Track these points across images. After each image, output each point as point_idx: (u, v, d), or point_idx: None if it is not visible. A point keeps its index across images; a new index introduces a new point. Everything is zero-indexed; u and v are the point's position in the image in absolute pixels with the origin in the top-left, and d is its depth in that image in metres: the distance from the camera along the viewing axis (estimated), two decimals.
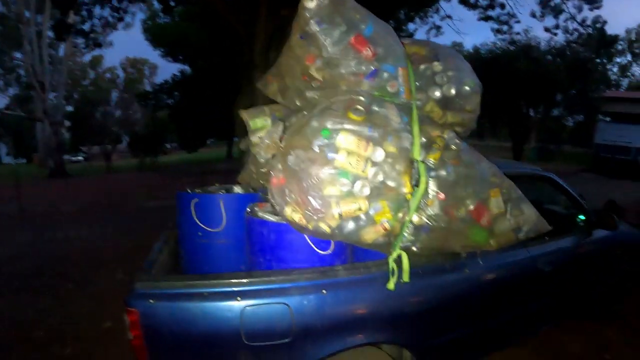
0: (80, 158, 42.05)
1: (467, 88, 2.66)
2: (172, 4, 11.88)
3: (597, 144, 21.08)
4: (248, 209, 2.53)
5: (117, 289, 5.19)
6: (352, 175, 2.05)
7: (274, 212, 2.38)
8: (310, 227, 2.08)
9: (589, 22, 17.22)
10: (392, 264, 2.16)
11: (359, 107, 2.16)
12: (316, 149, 2.04)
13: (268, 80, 2.81)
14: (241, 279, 2.06)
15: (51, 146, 23.32)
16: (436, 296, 2.50)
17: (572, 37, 17.88)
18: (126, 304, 1.95)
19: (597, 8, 15.34)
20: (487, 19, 14.16)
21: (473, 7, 13.34)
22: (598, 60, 25.37)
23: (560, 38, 19.39)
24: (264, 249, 2.33)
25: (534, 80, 20.03)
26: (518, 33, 18.04)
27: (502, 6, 13.75)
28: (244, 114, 2.77)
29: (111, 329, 4.22)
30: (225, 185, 3.23)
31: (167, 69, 49.93)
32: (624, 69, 37.23)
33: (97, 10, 10.42)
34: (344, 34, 2.23)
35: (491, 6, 13.76)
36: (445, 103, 2.61)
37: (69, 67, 28.29)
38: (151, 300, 1.94)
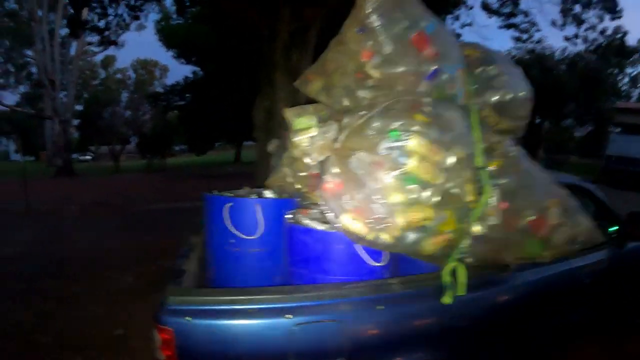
0: (88, 157, 42.03)
1: (522, 94, 2.53)
2: (187, 3, 11.62)
3: (607, 155, 20.73)
4: (289, 216, 2.33)
5: (126, 293, 4.98)
6: (421, 181, 1.84)
7: (320, 219, 2.20)
8: (370, 237, 1.88)
9: (609, 32, 16.93)
10: (448, 277, 1.99)
11: (426, 108, 1.97)
12: (383, 152, 1.85)
13: (308, 79, 2.60)
14: (291, 293, 1.85)
15: (59, 144, 23.19)
16: (489, 310, 2.32)
17: (591, 47, 17.58)
18: (157, 321, 1.71)
19: (618, 18, 15.08)
20: (509, 27, 13.97)
21: (495, 14, 13.14)
22: (609, 71, 25.08)
23: (576, 48, 19.09)
24: (308, 259, 2.13)
25: (546, 91, 19.79)
26: (538, 41, 17.72)
27: (526, 14, 13.54)
28: (288, 113, 2.53)
29: (122, 336, 3.99)
30: (255, 188, 2.98)
31: (177, 72, 49.94)
32: (635, 80, 36.87)
33: (111, 10, 10.08)
34: (405, 30, 2.08)
35: (513, 14, 13.54)
36: (500, 108, 2.47)
37: (80, 66, 28.25)
38: (187, 318, 1.69)
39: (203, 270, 2.56)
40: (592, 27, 15.80)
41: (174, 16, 21.71)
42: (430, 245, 1.93)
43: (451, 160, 1.89)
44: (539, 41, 18.62)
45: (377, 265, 2.08)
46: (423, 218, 1.84)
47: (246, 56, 16.49)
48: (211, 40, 17.92)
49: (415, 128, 1.86)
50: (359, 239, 1.92)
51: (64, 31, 24.34)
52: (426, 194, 1.83)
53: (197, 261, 2.53)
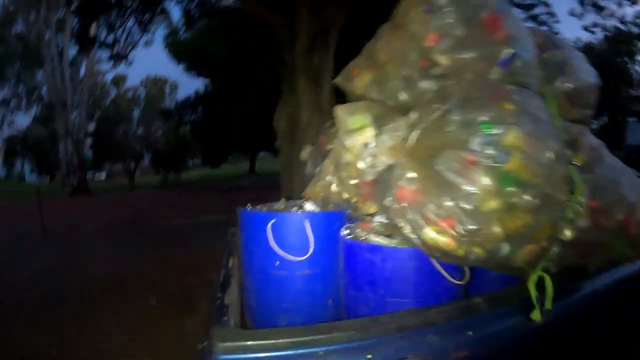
0: (102, 176, 42.28)
1: (591, 80, 2.32)
2: (196, 16, 11.43)
3: (629, 145, 20.11)
4: (346, 231, 2.03)
5: (151, 319, 4.68)
6: (521, 181, 1.50)
7: (384, 234, 1.94)
8: (460, 252, 1.57)
9: (628, 19, 16.44)
10: (534, 290, 1.67)
11: (513, 96, 1.65)
12: (476, 148, 1.50)
13: (353, 74, 2.37)
14: (368, 327, 1.51)
15: (73, 164, 23.19)
16: (574, 319, 1.97)
17: (610, 35, 17.07)
18: None
19: (636, 3, 14.61)
20: (530, 18, 13.60)
21: (517, 6, 12.77)
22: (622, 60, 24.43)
23: (594, 37, 18.55)
24: (374, 281, 1.84)
25: None
26: (556, 33, 17.32)
27: (546, 4, 13.16)
28: (340, 110, 2.20)
29: None
30: (292, 201, 2.66)
31: (187, 86, 50.03)
32: None
33: (119, 25, 9.93)
34: (477, 9, 1.87)
35: (533, 5, 13.19)
36: (571, 96, 2.23)
37: (90, 86, 28.40)
38: None
39: (247, 301, 2.24)
40: (612, 15, 15.26)
41: (182, 30, 21.73)
42: (524, 255, 1.62)
43: (549, 155, 1.58)
44: (557, 33, 18.16)
45: (459, 284, 1.80)
46: (522, 225, 1.53)
47: (261, 65, 16.43)
48: (221, 52, 17.85)
49: (510, 119, 1.54)
50: (445, 254, 1.62)
51: (74, 52, 24.51)
52: (527, 196, 1.51)
53: (239, 290, 2.20)
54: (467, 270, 1.82)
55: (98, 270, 6.92)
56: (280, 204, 2.56)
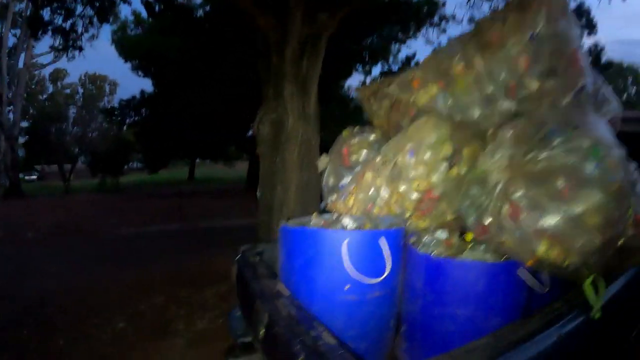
0: (33, 177, 39.80)
1: (619, 109, 2.47)
2: (158, 8, 10.93)
3: None
4: (429, 248, 1.99)
5: (120, 343, 4.28)
6: (617, 199, 1.67)
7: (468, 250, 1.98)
8: (566, 263, 1.70)
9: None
10: (592, 291, 1.71)
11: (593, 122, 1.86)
12: (590, 170, 1.66)
13: (414, 84, 2.36)
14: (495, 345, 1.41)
15: (7, 163, 21.66)
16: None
17: None
18: None
19: (594, 34, 15.46)
20: None
21: None
22: None
23: None
24: (466, 299, 1.82)
25: None
26: None
27: None
28: (422, 124, 2.16)
29: None
30: (325, 215, 2.47)
31: (128, 87, 48.18)
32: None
33: (77, 10, 9.27)
34: (567, 43, 2.03)
35: None
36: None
37: (27, 78, 26.79)
38: None
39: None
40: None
41: (131, 26, 20.95)
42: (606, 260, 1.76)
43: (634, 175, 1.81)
44: None
45: (544, 293, 1.86)
46: (610, 236, 1.69)
47: (214, 69, 16.05)
48: (173, 52, 17.33)
49: (607, 143, 1.74)
50: (552, 266, 1.74)
51: (12, 41, 23.04)
52: (617, 211, 1.69)
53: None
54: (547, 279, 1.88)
55: (53, 285, 6.30)
56: (315, 219, 2.36)
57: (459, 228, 2.19)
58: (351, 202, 2.46)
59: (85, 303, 5.47)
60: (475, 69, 2.08)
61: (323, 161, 3.14)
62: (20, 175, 27.21)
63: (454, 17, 13.54)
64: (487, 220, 1.82)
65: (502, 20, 2.05)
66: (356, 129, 3.17)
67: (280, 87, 5.46)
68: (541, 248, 1.69)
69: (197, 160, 36.13)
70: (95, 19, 9.51)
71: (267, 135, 5.66)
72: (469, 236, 2.07)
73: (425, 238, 2.11)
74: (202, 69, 16.98)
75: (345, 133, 3.21)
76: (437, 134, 2.06)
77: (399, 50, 18.39)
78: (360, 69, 19.55)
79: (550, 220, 1.64)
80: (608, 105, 2.33)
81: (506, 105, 2.06)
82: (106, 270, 7.06)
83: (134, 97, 24.83)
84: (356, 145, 2.97)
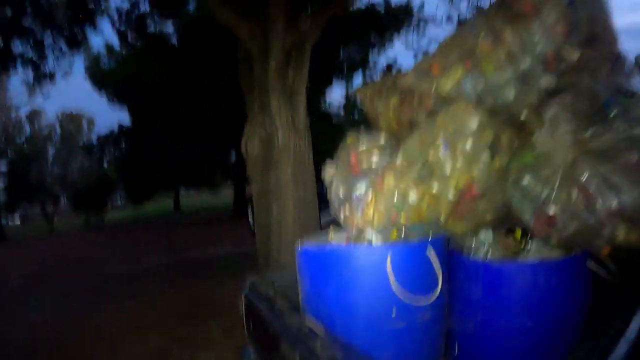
0: (16, 220, 38.95)
1: None
2: (131, 36, 10.64)
3: None
4: (484, 253, 1.74)
5: None
6: None
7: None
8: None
9: None
10: None
11: None
12: None
13: (433, 70, 2.10)
14: None
15: None
16: None
17: None
18: None
19: None
20: None
21: None
22: None
23: None
24: (538, 305, 1.61)
25: None
26: None
27: None
28: (460, 110, 1.85)
29: None
30: (344, 231, 2.17)
31: (104, 122, 47.61)
32: None
33: (47, 41, 9.00)
34: (603, 7, 1.96)
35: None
36: None
37: (3, 120, 26.26)
38: None
39: None
40: None
41: (104, 59, 20.65)
42: None
43: None
44: None
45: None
46: None
47: (191, 93, 15.74)
48: (149, 78, 17.01)
49: None
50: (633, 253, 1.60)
51: None
52: None
53: None
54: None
55: (42, 333, 5.91)
56: (335, 236, 2.06)
57: (502, 226, 1.94)
58: (370, 212, 2.15)
59: (77, 351, 5.06)
60: (506, 43, 1.85)
61: (329, 172, 2.83)
62: (4, 221, 26.52)
63: (433, 19, 13.44)
64: (553, 210, 1.61)
65: None
66: (362, 133, 2.89)
67: (267, 100, 5.16)
68: (620, 232, 1.53)
69: (182, 190, 35.59)
70: (65, 48, 9.20)
71: (256, 154, 5.35)
72: (518, 233, 1.85)
73: (472, 242, 1.83)
74: (180, 92, 16.65)
75: (349, 138, 2.92)
76: (477, 119, 1.74)
77: (377, 59, 18.22)
78: (339, 80, 19.32)
79: (628, 199, 1.48)
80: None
81: (545, 80, 1.85)
82: (98, 312, 6.66)
83: (111, 132, 24.46)
84: (365, 151, 2.66)
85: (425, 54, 12.38)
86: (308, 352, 1.37)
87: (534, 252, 1.74)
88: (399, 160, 2.06)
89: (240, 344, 2.49)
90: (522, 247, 1.79)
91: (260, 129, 5.27)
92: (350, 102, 23.30)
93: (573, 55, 1.80)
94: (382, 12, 14.05)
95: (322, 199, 5.66)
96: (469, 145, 1.74)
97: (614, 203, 1.51)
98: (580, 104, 1.70)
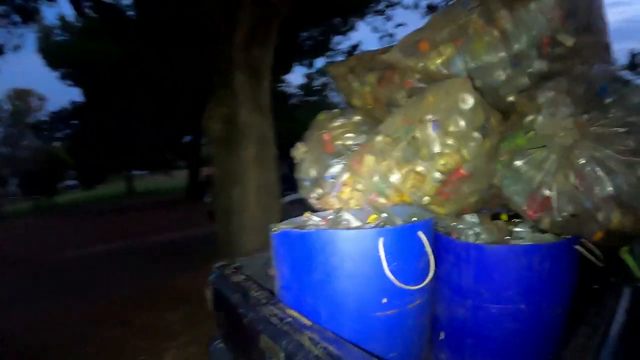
0: None
1: None
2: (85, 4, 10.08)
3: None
4: (473, 237, 1.69)
5: None
6: None
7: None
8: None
9: None
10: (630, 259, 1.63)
11: None
12: None
13: (421, 47, 2.05)
14: None
15: None
16: None
17: None
18: None
19: None
20: None
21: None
22: None
23: None
24: (531, 288, 1.58)
25: None
26: None
27: None
28: (456, 84, 1.74)
29: None
30: (320, 213, 2.05)
31: (57, 101, 45.86)
32: None
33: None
34: None
35: None
36: None
37: None
38: None
39: None
40: None
41: (58, 32, 19.69)
42: None
43: None
44: None
45: None
46: None
47: (151, 73, 15.19)
48: (105, 58, 16.31)
49: None
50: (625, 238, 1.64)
51: None
52: None
53: None
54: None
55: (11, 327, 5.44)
56: (311, 218, 1.94)
57: (486, 210, 1.94)
58: (347, 193, 2.04)
59: (31, 347, 4.67)
60: (500, 24, 1.84)
61: (300, 150, 2.70)
62: None
63: (398, 2, 13.38)
64: (548, 194, 1.61)
65: None
66: (335, 110, 2.77)
67: (231, 77, 4.96)
68: (615, 217, 1.55)
69: (135, 173, 34.67)
70: (17, 18, 8.67)
71: (218, 132, 5.14)
72: (505, 217, 1.88)
73: (459, 226, 1.77)
74: (136, 70, 15.99)
75: (321, 116, 2.79)
76: (474, 97, 1.65)
77: (340, 41, 18.00)
78: (298, 61, 19.01)
79: (623, 185, 1.51)
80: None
81: (538, 64, 1.86)
82: (53, 303, 6.19)
83: (64, 109, 23.46)
84: (339, 129, 2.54)
85: (391, 35, 12.41)
86: (294, 346, 1.24)
87: (522, 236, 1.74)
88: (379, 139, 1.95)
89: (202, 333, 2.32)
90: (509, 231, 1.77)
91: (222, 106, 5.07)
92: (310, 84, 23.19)
93: (568, 41, 1.80)
94: None
95: (283, 181, 5.55)
96: (462, 123, 1.65)
97: (610, 188, 1.53)
98: (576, 90, 1.69)
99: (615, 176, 1.52)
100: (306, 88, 23.09)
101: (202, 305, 2.18)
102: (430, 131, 1.69)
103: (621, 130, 1.54)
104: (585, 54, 1.89)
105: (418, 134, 1.72)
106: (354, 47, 17.25)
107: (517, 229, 1.78)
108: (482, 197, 1.90)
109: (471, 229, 1.74)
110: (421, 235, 1.44)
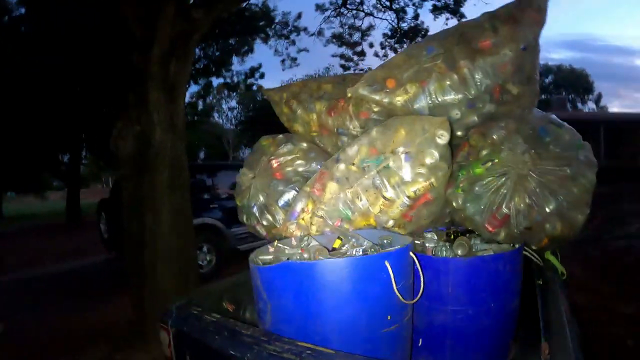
0: None
1: None
2: None
3: None
4: (447, 252, 2.04)
5: None
6: None
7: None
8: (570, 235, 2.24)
9: None
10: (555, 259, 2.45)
11: None
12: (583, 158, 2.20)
13: (388, 84, 2.37)
14: None
15: None
16: None
17: None
18: None
19: None
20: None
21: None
22: None
23: None
24: (498, 290, 1.97)
25: None
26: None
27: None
28: (438, 123, 2.07)
29: None
30: (285, 241, 2.18)
31: None
32: None
33: None
34: (538, 53, 2.47)
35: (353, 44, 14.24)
36: None
37: None
38: None
39: None
40: None
41: None
42: None
43: None
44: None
45: None
46: None
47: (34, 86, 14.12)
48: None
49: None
50: (562, 243, 2.32)
51: None
52: None
53: None
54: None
55: None
56: (285, 247, 2.04)
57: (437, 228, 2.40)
58: (306, 220, 2.21)
59: None
60: (461, 71, 2.22)
61: (247, 176, 2.82)
62: None
63: (305, 29, 13.94)
64: (507, 212, 2.07)
65: (492, 29, 2.27)
66: (280, 136, 2.93)
67: (145, 93, 4.85)
68: (558, 226, 2.07)
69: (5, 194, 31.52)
70: None
71: (130, 153, 4.96)
72: (454, 234, 2.29)
73: (428, 244, 2.17)
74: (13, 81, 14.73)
75: (264, 141, 2.95)
76: (449, 133, 2.00)
77: (244, 61, 18.19)
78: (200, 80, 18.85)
79: (564, 202, 2.04)
80: None
81: (488, 107, 2.30)
82: None
83: None
84: (288, 156, 2.71)
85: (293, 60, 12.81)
86: None
87: (483, 247, 2.14)
88: (341, 167, 2.14)
89: None
90: (470, 245, 2.12)
91: (135, 125, 4.92)
92: (195, 104, 22.91)
93: (514, 90, 2.30)
94: (245, 14, 14.00)
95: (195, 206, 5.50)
96: (436, 156, 1.98)
97: (553, 205, 2.04)
98: (523, 130, 2.17)
99: (557, 196, 2.03)
100: (192, 107, 22.68)
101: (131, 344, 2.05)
102: (403, 162, 1.98)
103: (560, 161, 2.06)
104: (524, 101, 2.39)
105: (391, 164, 1.96)
106: (254, 68, 17.43)
107: (475, 242, 2.21)
108: (434, 218, 2.28)
109: (443, 246, 2.09)
110: (412, 255, 1.72)
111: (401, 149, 2.00)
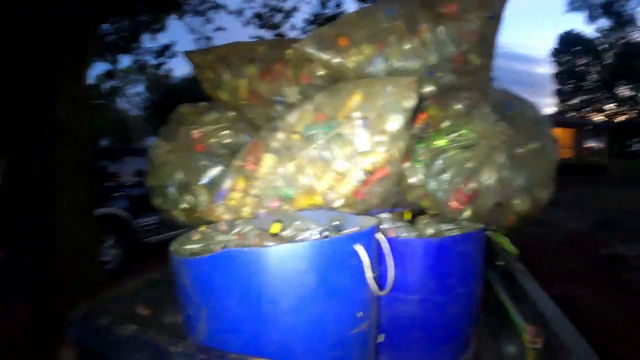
0: None
1: None
2: None
3: None
4: (414, 233, 1.86)
5: None
6: None
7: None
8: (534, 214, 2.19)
9: None
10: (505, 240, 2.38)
11: None
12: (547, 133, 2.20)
13: (341, 43, 2.16)
14: None
15: None
16: None
17: None
18: None
19: None
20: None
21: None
22: None
23: None
24: (468, 273, 1.88)
25: None
26: None
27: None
28: (404, 85, 1.79)
29: None
30: (216, 225, 1.90)
31: None
32: None
33: None
34: (499, 26, 2.41)
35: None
36: None
37: None
38: None
39: None
40: None
41: None
42: None
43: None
44: None
45: None
46: None
47: None
48: None
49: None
50: (529, 222, 2.24)
51: None
52: None
53: None
54: None
55: None
56: (220, 232, 1.78)
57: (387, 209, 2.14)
58: (237, 201, 1.91)
59: None
60: (423, 36, 2.11)
61: (161, 149, 2.47)
62: None
63: (223, 6, 13.50)
64: (476, 186, 1.90)
65: None
66: (202, 104, 2.59)
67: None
68: (524, 204, 1.99)
69: None
70: None
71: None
72: (408, 215, 2.12)
73: (394, 225, 1.92)
74: None
75: (182, 109, 2.56)
76: (416, 97, 1.76)
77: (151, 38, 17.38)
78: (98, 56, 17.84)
79: (532, 178, 1.97)
80: None
81: (448, 77, 2.21)
82: None
83: None
84: (212, 125, 2.38)
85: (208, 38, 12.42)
86: None
87: (447, 228, 1.97)
88: (280, 135, 1.88)
89: None
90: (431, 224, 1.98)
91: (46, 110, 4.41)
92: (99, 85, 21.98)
93: (477, 60, 2.24)
94: None
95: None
96: (402, 122, 1.73)
97: (522, 180, 1.94)
98: (489, 101, 2.05)
99: (527, 170, 1.95)
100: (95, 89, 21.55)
101: None
102: (359, 129, 1.70)
103: (529, 135, 2.01)
104: (482, 74, 2.34)
105: (345, 131, 1.70)
106: (166, 47, 16.70)
107: (441, 224, 2.02)
108: (386, 197, 2.00)
109: (406, 227, 1.89)
110: (381, 238, 1.47)
111: (357, 114, 1.73)
